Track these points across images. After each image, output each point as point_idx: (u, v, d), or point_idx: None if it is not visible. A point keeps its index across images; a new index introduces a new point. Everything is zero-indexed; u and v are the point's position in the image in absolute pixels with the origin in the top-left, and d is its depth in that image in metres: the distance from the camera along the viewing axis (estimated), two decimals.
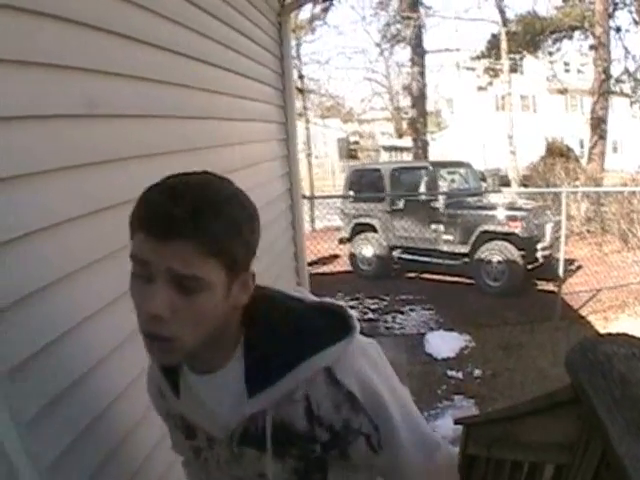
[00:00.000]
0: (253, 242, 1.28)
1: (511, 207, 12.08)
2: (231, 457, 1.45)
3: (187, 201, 1.15)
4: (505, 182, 24.16)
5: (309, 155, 24.86)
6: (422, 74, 26.86)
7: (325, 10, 27.45)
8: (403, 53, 41.08)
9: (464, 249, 12.08)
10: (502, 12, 26.45)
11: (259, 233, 1.29)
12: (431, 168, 13.04)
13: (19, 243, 1.68)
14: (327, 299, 1.49)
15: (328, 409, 1.34)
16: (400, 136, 41.09)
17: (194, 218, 1.14)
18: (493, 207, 12.15)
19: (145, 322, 1.21)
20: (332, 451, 1.39)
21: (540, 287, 11.75)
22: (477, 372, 8.09)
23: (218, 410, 1.41)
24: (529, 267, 11.42)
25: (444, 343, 9.05)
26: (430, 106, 31.06)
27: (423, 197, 12.76)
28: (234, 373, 1.37)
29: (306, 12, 25.95)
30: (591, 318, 9.90)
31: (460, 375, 8.06)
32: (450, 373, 8.13)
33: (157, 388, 1.58)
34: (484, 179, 15.90)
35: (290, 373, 1.32)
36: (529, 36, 27.73)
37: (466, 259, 12.07)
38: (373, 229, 13.49)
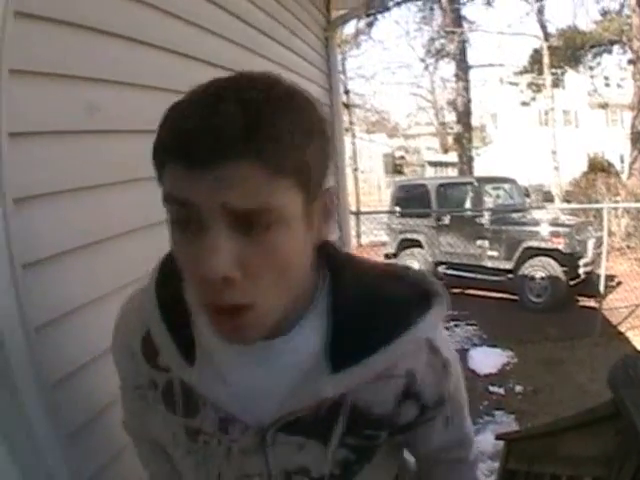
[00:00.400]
0: (330, 147, 0.97)
1: (554, 223, 12.02)
2: (258, 445, 1.08)
3: (233, 105, 0.83)
4: (549, 198, 23.92)
5: (355, 170, 24.84)
6: (467, 89, 26.88)
7: (370, 25, 27.61)
8: (447, 68, 40.82)
9: (508, 265, 12.02)
10: (544, 27, 26.38)
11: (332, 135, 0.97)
12: (476, 184, 13.06)
13: (48, 264, 1.66)
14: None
15: (431, 382, 1.11)
16: (445, 151, 40.88)
17: (247, 126, 0.82)
18: (537, 223, 12.10)
19: (207, 291, 0.89)
20: (401, 435, 1.16)
21: (581, 303, 11.64)
22: (518, 388, 8.07)
23: (267, 390, 1.06)
24: (571, 283, 11.33)
25: (487, 359, 9.04)
26: (475, 121, 30.90)
27: (469, 213, 12.77)
28: (306, 341, 1.05)
29: (351, 27, 26.08)
30: (629, 334, 9.80)
31: (502, 391, 8.05)
32: (492, 389, 8.11)
33: (130, 352, 1.18)
34: (528, 195, 15.79)
35: (394, 342, 1.04)
36: (570, 51, 27.43)
37: (510, 275, 11.99)
38: (419, 244, 13.46)
